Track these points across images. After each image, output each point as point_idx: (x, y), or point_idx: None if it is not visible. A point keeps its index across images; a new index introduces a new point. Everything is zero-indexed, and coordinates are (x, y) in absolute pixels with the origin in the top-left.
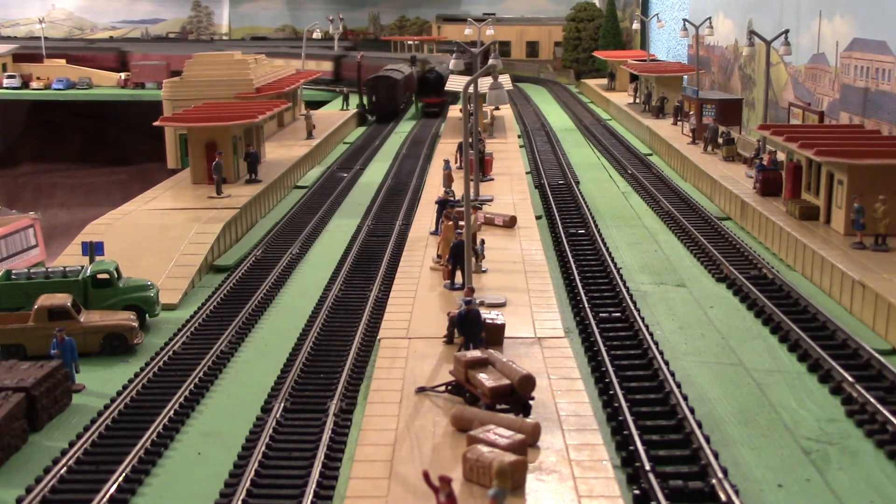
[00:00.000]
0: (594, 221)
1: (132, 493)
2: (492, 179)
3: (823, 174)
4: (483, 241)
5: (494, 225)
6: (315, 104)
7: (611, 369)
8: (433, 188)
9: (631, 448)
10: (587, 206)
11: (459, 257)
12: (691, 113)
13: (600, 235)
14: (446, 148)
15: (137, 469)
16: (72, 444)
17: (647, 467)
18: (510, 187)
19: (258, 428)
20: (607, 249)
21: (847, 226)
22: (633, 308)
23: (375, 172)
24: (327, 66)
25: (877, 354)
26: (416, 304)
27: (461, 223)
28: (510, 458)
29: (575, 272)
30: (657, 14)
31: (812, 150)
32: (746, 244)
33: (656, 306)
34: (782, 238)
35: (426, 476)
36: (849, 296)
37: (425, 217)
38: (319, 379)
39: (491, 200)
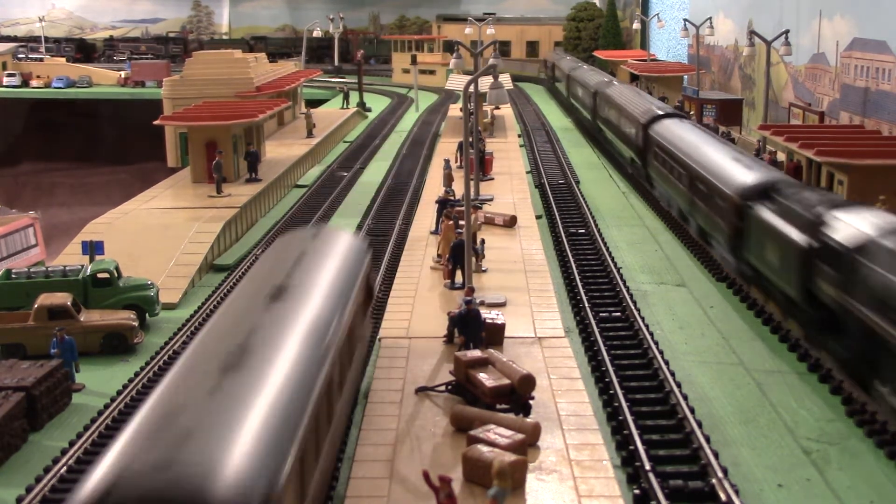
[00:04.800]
0: (594, 221)
1: None
2: (492, 179)
3: (823, 174)
4: (483, 241)
5: (494, 224)
6: (315, 102)
7: (611, 369)
8: (433, 188)
9: (631, 448)
10: (587, 206)
11: (459, 257)
12: (691, 113)
13: (600, 235)
14: (446, 147)
15: None
16: (72, 444)
17: (647, 467)
18: (510, 187)
19: None
20: (607, 249)
21: None
22: (633, 308)
23: (376, 171)
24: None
25: None
26: (416, 303)
27: (461, 223)
28: (510, 457)
29: (575, 272)
30: (657, 14)
31: (812, 150)
32: None
33: (656, 306)
34: None
35: (426, 476)
36: None
37: (425, 217)
38: None
39: (491, 200)
